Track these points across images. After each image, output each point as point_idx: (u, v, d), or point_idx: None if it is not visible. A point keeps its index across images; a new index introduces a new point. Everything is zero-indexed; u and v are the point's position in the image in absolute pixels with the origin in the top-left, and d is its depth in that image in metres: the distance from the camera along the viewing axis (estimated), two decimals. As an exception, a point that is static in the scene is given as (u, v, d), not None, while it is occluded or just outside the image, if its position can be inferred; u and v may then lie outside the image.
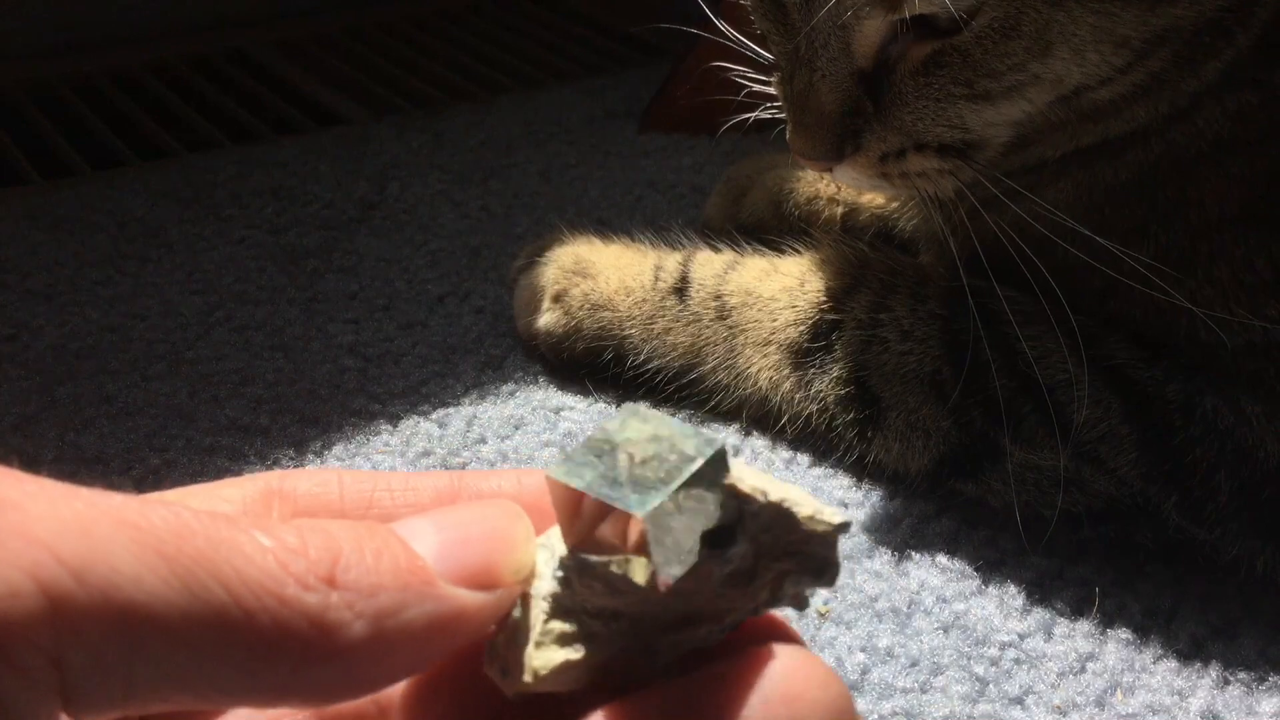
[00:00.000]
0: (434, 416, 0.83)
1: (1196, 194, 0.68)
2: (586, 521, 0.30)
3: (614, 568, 0.29)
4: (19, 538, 0.23)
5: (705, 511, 0.30)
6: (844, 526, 0.31)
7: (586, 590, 0.30)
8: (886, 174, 0.70)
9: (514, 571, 0.30)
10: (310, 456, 0.79)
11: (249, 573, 0.25)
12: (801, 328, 0.77)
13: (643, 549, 0.29)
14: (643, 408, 0.31)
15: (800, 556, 0.31)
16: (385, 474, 0.34)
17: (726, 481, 0.30)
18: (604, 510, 0.30)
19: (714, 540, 0.30)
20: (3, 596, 0.23)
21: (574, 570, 0.30)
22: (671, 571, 0.29)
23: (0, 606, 0.23)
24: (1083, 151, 0.71)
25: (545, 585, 0.31)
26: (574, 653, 0.30)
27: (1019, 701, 0.63)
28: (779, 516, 0.31)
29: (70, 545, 0.24)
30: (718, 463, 0.30)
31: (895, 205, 0.89)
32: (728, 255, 0.84)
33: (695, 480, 0.29)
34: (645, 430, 0.30)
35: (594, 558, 0.30)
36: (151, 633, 0.24)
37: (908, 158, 0.69)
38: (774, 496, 0.31)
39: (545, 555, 0.31)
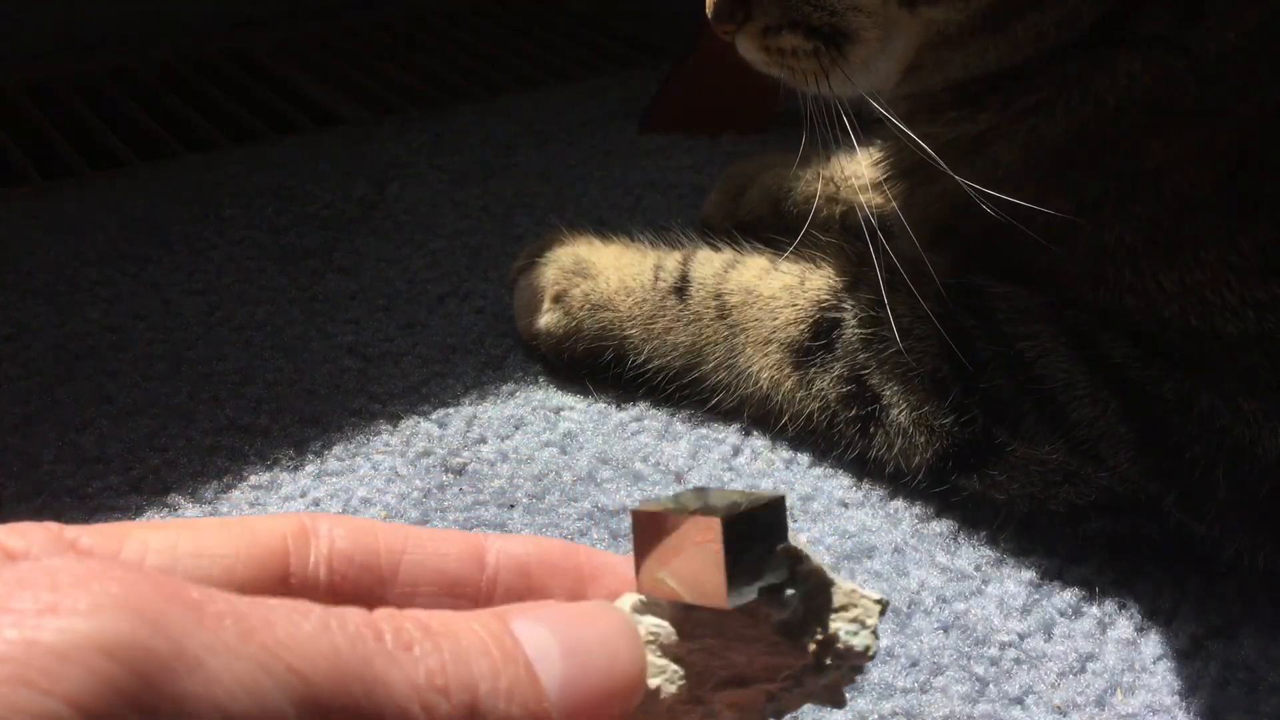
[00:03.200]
0: (434, 416, 0.83)
1: (1152, 164, 0.68)
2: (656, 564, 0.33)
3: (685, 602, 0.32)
4: (277, 660, 0.26)
5: (765, 559, 0.32)
6: (884, 604, 0.33)
7: (658, 630, 0.32)
8: (768, 49, 0.75)
9: (625, 711, 0.31)
10: (310, 456, 0.79)
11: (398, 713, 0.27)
12: (802, 326, 0.77)
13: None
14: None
15: (841, 626, 0.33)
16: (417, 529, 0.36)
17: (785, 543, 0.32)
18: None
19: (769, 592, 0.32)
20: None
21: (647, 608, 0.33)
22: (742, 593, 0.31)
23: None
24: (1001, 99, 0.73)
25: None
26: (653, 680, 0.32)
27: (1019, 701, 0.63)
28: (824, 583, 0.33)
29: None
30: (778, 512, 0.32)
31: (894, 205, 0.89)
32: (727, 254, 0.84)
33: (757, 530, 0.31)
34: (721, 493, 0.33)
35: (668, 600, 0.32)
36: None
37: (782, 34, 0.73)
38: (819, 564, 0.33)
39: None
